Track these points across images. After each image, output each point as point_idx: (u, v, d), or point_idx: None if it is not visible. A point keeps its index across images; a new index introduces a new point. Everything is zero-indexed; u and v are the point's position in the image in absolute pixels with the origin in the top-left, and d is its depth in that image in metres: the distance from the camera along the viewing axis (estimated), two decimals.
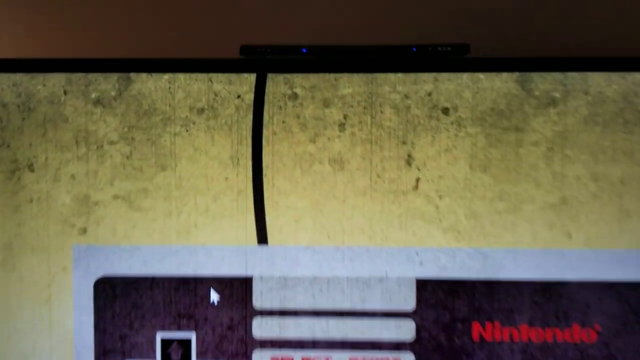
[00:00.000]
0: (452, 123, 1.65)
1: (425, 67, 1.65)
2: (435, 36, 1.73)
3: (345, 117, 1.66)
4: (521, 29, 1.79)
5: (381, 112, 1.66)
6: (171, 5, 1.85)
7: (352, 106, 1.66)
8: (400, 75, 1.65)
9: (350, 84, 1.66)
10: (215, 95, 1.67)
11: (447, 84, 1.65)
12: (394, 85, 1.65)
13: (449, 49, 1.64)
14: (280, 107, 1.67)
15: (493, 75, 1.64)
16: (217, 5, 1.84)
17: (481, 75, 1.64)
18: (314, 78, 1.66)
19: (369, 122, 1.66)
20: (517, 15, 1.79)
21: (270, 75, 1.67)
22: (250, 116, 1.67)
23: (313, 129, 1.67)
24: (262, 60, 1.66)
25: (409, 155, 1.65)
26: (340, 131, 1.67)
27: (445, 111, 1.65)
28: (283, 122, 1.67)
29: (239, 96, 1.67)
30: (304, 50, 1.66)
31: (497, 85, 1.64)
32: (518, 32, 1.78)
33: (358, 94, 1.66)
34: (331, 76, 1.66)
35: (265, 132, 1.67)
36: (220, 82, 1.67)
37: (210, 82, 1.67)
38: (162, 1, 1.85)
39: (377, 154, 1.66)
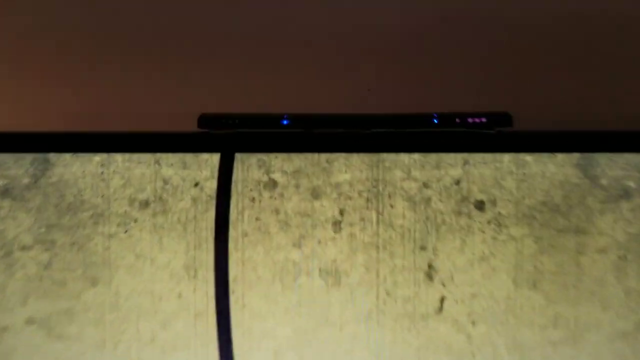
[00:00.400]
0: (488, 222, 1.20)
1: (451, 145, 1.21)
2: (464, 103, 1.29)
3: (341, 212, 1.22)
4: (579, 94, 1.34)
5: (391, 206, 1.21)
6: (104, 61, 1.39)
7: (350, 198, 1.22)
8: (416, 156, 1.21)
9: (348, 168, 1.21)
10: (165, 183, 1.23)
11: (481, 168, 1.20)
12: (408, 169, 1.21)
13: (484, 120, 1.20)
14: (254, 199, 1.22)
15: (544, 157, 1.20)
16: (168, 63, 1.38)
17: (528, 157, 1.20)
18: (299, 159, 1.22)
19: (375, 219, 1.21)
20: (574, 77, 1.34)
21: (239, 156, 1.22)
22: (213, 211, 1.23)
23: (298, 229, 1.22)
24: (228, 136, 1.22)
25: (430, 266, 1.21)
26: (335, 232, 1.22)
27: (480, 206, 1.21)
28: (257, 219, 1.22)
29: (196, 184, 1.23)
30: (285, 122, 1.21)
31: (551, 170, 1.20)
32: (575, 98, 1.33)
33: (359, 181, 1.21)
34: (322, 157, 1.22)
35: (232, 232, 1.23)
36: (172, 166, 1.23)
37: (157, 165, 1.23)
38: (90, 55, 1.39)
39: (385, 263, 1.21)
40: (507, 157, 1.20)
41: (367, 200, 1.22)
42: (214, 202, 1.24)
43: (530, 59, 1.33)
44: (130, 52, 1.37)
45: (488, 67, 1.33)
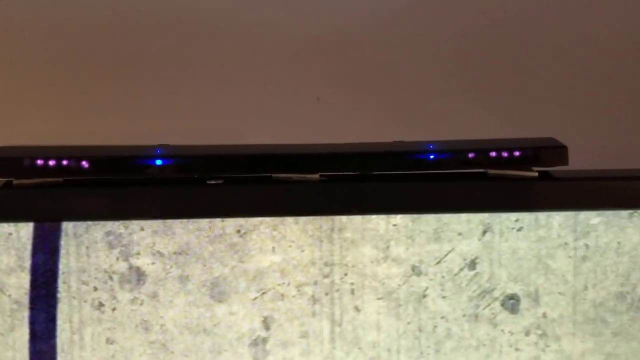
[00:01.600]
0: (526, 332, 0.69)
1: (461, 200, 0.68)
2: (481, 125, 0.76)
3: (266, 323, 0.68)
4: None
5: (356, 309, 0.68)
6: None
7: (283, 297, 0.67)
8: (399, 220, 0.68)
9: (278, 244, 0.67)
10: None
11: (513, 239, 0.68)
12: (385, 243, 0.68)
13: (517, 154, 0.68)
14: (101, 306, 0.66)
15: (623, 217, 0.69)
16: None
17: (595, 218, 0.69)
18: (186, 231, 0.67)
19: (327, 334, 0.68)
20: None
21: (69, 227, 0.66)
22: (24, 330, 0.66)
23: (187, 358, 0.67)
24: (49, 189, 0.65)
25: None
26: (256, 359, 0.68)
27: (511, 304, 0.69)
28: (109, 342, 0.67)
29: None
30: (160, 161, 0.65)
31: (633, 240, 0.69)
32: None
33: (299, 266, 0.67)
34: (230, 225, 0.67)
35: None
36: None
37: None
38: None
39: None
40: (558, 219, 0.68)
41: (314, 300, 0.68)
42: (25, 313, 0.66)
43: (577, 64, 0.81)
44: None
45: (509, 69, 0.80)
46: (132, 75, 0.89)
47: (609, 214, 0.68)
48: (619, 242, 0.69)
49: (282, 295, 0.67)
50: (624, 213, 0.68)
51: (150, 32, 0.89)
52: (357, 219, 0.67)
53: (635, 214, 0.68)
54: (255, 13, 0.90)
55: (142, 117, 0.86)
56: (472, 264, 0.68)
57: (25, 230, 0.65)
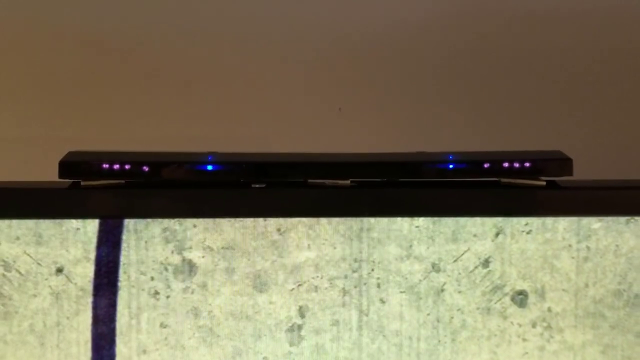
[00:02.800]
0: (533, 324, 0.77)
1: (476, 205, 0.76)
2: (492, 138, 0.84)
3: (301, 312, 0.76)
4: None
5: (382, 301, 0.76)
6: None
7: (317, 289, 0.76)
8: (421, 222, 0.76)
9: (313, 242, 0.76)
10: (6, 268, 0.74)
11: (523, 241, 0.76)
12: (408, 242, 0.76)
13: (528, 164, 0.76)
14: (157, 294, 0.75)
15: (621, 222, 0.77)
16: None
17: (596, 224, 0.77)
18: (233, 229, 0.75)
19: (356, 322, 0.76)
20: None
21: (130, 224, 0.74)
22: (88, 314, 0.75)
23: (231, 341, 0.76)
24: (113, 190, 0.74)
25: None
26: (292, 344, 0.76)
27: (519, 299, 0.77)
28: (163, 325, 0.75)
29: (59, 270, 0.74)
30: (210, 167, 0.74)
31: (630, 244, 0.77)
32: None
33: (331, 261, 0.76)
34: (271, 224, 0.75)
35: (122, 349, 0.75)
36: (17, 240, 0.74)
37: None
38: None
39: None
40: (563, 224, 0.76)
41: (344, 292, 0.76)
42: (89, 299, 0.75)
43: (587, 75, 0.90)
44: None
45: (524, 83, 0.88)
46: (179, 91, 0.98)
47: (609, 219, 0.76)
48: (617, 245, 0.77)
49: (316, 287, 0.76)
50: (622, 219, 0.76)
51: (197, 51, 0.97)
52: (384, 220, 0.75)
53: (632, 220, 0.76)
54: (279, 28, 0.98)
55: (187, 127, 0.95)
56: (486, 263, 0.77)
57: (91, 226, 0.74)
